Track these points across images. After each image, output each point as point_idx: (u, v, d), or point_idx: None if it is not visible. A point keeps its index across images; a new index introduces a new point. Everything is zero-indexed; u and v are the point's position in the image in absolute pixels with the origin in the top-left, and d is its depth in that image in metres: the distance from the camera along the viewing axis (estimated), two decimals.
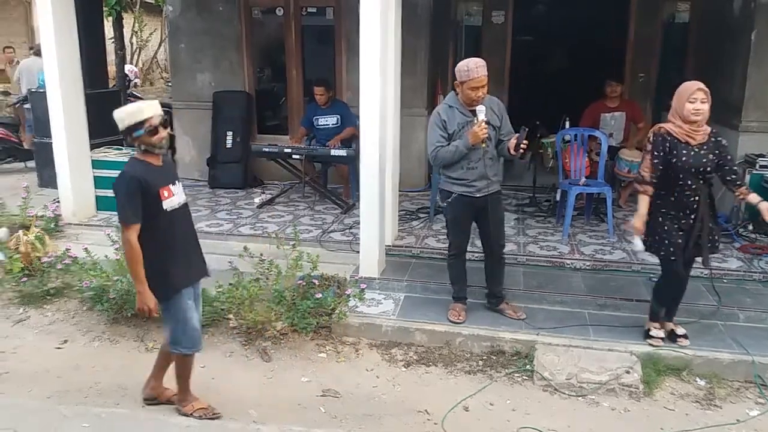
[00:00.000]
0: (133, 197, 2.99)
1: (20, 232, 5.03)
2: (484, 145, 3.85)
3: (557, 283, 4.65)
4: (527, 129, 3.92)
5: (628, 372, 3.65)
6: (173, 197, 3.13)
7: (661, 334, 3.88)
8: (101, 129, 6.25)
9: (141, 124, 2.99)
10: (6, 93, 10.43)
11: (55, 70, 5.55)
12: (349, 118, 6.52)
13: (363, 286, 4.52)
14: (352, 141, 6.42)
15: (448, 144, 3.90)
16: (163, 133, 3.02)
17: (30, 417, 3.30)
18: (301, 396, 3.63)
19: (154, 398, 3.48)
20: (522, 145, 3.88)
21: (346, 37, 7.04)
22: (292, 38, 7.42)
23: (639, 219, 3.68)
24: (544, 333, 4.02)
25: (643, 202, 3.67)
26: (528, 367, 3.81)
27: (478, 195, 3.97)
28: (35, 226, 5.18)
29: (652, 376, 3.67)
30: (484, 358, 3.97)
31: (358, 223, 4.88)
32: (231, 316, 4.23)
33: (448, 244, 4.29)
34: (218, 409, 3.39)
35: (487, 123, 3.84)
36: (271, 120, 7.98)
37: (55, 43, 5.47)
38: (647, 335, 3.90)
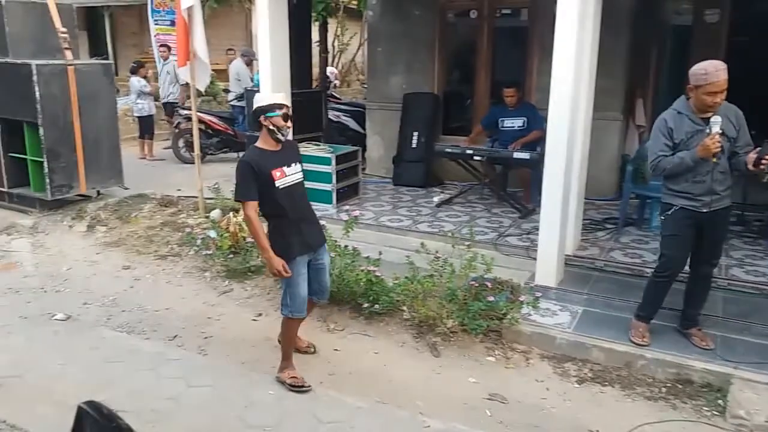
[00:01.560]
0: (247, 178, 3.40)
1: (231, 213, 5.66)
2: (714, 159, 3.48)
3: (764, 313, 4.12)
4: None
5: None
6: (285, 177, 3.48)
7: None
8: (303, 126, 6.83)
9: (280, 107, 3.44)
10: (226, 90, 11.81)
11: (269, 71, 6.15)
12: (537, 120, 6.37)
13: (538, 294, 4.40)
14: (536, 144, 6.27)
15: (672, 154, 3.61)
16: (289, 123, 3.48)
17: (226, 378, 3.73)
18: (467, 396, 3.64)
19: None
20: (764, 161, 3.42)
21: (540, 38, 6.87)
22: (484, 40, 7.44)
23: None
24: (744, 367, 3.58)
25: None
26: (720, 402, 3.42)
27: (703, 210, 3.60)
28: None
29: None
30: (668, 385, 3.64)
31: (537, 229, 4.76)
32: (405, 308, 4.37)
33: (659, 262, 3.90)
34: (387, 395, 3.54)
35: (722, 134, 3.46)
36: (456, 121, 8.08)
37: (269, 47, 6.06)
38: None
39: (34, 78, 6.20)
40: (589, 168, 5.26)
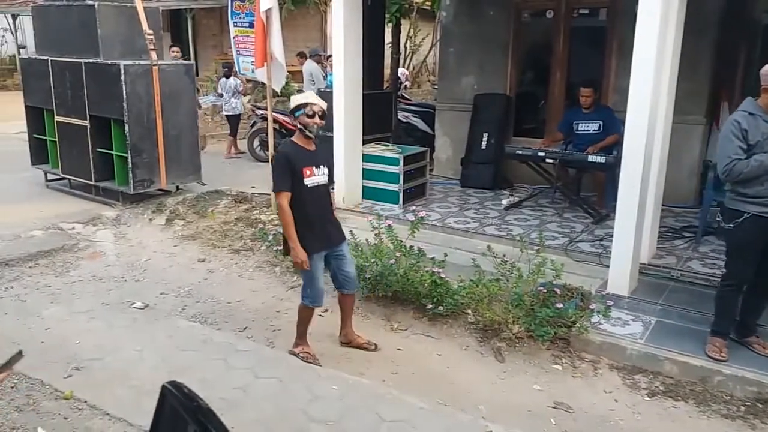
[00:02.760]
0: (283, 170, 3.64)
1: None
2: None
3: None
4: None
5: None
6: (314, 177, 3.70)
7: None
8: (373, 126, 6.90)
9: (304, 106, 3.65)
10: (300, 91, 12.08)
11: (341, 72, 6.25)
12: (614, 124, 6.16)
13: (609, 302, 4.26)
14: (613, 147, 6.06)
15: (748, 157, 3.44)
16: (318, 120, 3.64)
17: (292, 371, 3.82)
18: (531, 403, 3.57)
19: (347, 343, 4.17)
20: None
21: (619, 38, 6.65)
22: (560, 40, 7.27)
23: None
24: None
25: None
26: None
27: None
28: None
29: None
30: (747, 404, 3.45)
31: (611, 236, 4.61)
32: (469, 311, 4.34)
33: (725, 272, 3.76)
34: (449, 398, 3.53)
35: None
36: (528, 123, 7.94)
37: (343, 49, 6.16)
38: None
39: (122, 77, 6.55)
40: (669, 173, 5.05)
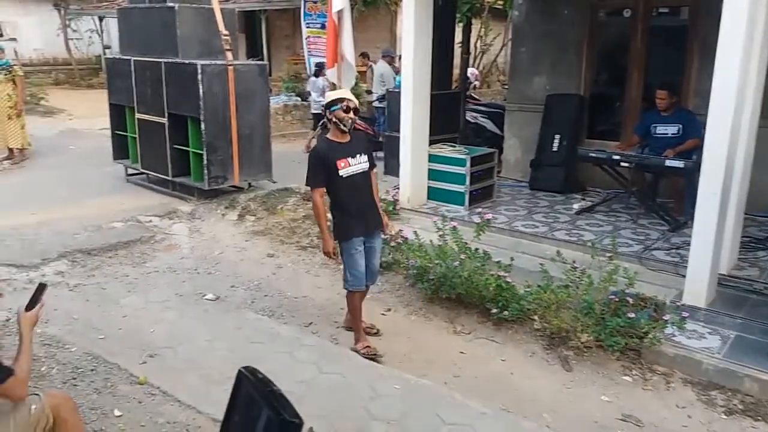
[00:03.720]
0: (316, 167, 3.91)
1: None
2: None
3: None
4: None
5: None
6: (350, 167, 3.93)
7: None
8: (440, 127, 6.87)
9: (341, 101, 3.88)
10: (368, 92, 12.18)
11: (410, 73, 6.26)
12: (694, 128, 5.88)
13: (685, 314, 4.07)
14: (692, 152, 5.79)
15: None
16: (352, 115, 3.88)
17: (355, 368, 3.85)
18: (598, 414, 3.46)
19: (349, 328, 4.35)
20: None
21: (702, 37, 6.34)
22: (638, 40, 7.00)
23: None
24: None
25: None
26: None
27: None
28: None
29: None
30: None
31: (688, 244, 4.41)
32: (536, 317, 4.25)
33: None
34: (512, 404, 3.47)
35: None
36: (602, 124, 7.70)
37: (413, 49, 6.17)
38: None
39: (199, 77, 6.79)
40: (753, 180, 4.77)
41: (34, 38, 20.73)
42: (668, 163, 5.67)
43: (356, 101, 3.96)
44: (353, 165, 3.95)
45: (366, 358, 3.99)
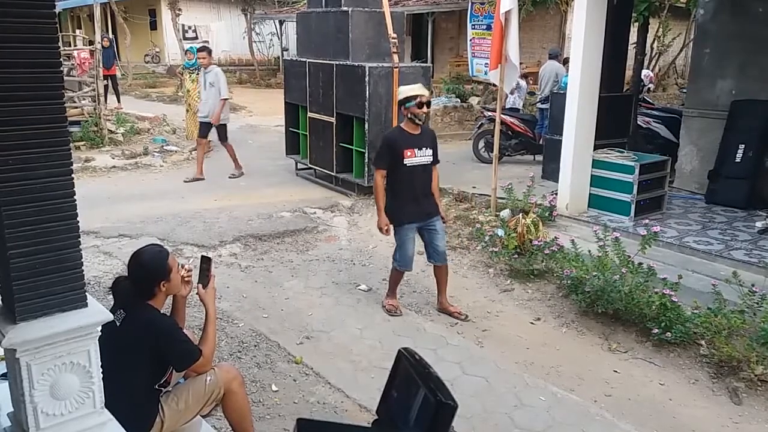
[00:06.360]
0: (383, 151, 4.34)
1: (520, 215, 5.71)
2: None
3: None
4: None
5: None
6: (414, 158, 4.27)
7: None
8: (607, 131, 6.52)
9: (415, 97, 4.19)
10: (531, 93, 11.88)
11: (578, 74, 6.01)
12: None
13: None
14: None
15: None
16: (425, 109, 4.24)
17: (499, 374, 3.81)
18: None
19: (441, 310, 4.66)
20: None
21: None
22: None
23: None
24: None
25: None
26: None
27: None
28: (533, 212, 5.82)
29: None
30: None
31: None
32: (703, 342, 3.90)
33: None
34: (668, 431, 3.22)
35: None
36: None
37: (582, 49, 5.92)
38: None
39: (366, 79, 7.09)
40: None
41: (223, 41, 23.09)
42: None
43: (428, 96, 4.33)
44: (418, 156, 4.29)
45: (385, 311, 4.57)
